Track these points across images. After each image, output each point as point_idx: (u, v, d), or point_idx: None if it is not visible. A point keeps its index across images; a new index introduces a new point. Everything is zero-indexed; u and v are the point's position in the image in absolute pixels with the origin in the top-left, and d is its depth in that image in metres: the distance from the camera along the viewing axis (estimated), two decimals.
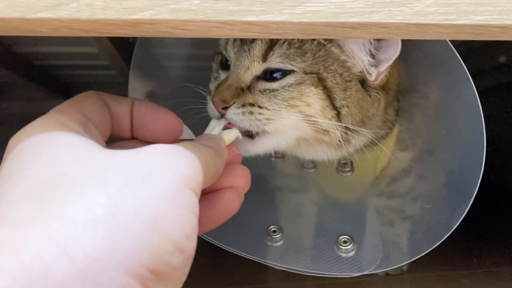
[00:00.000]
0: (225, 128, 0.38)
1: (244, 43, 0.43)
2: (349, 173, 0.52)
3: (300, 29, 0.27)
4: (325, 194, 0.60)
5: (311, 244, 0.56)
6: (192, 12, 0.25)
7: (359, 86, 0.44)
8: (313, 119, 0.42)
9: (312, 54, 0.42)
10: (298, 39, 0.41)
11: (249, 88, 0.42)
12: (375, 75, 0.44)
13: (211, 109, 0.42)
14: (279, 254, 0.53)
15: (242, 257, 0.56)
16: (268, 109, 0.42)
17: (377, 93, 0.46)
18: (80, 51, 0.83)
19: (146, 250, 0.21)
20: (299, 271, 0.52)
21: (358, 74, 0.44)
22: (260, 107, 0.41)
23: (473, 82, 0.39)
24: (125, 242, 0.21)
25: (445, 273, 0.61)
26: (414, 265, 0.62)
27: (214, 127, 0.37)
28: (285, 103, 0.42)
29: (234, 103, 0.41)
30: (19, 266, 0.19)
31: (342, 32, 0.28)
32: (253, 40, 0.42)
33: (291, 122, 0.42)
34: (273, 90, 0.42)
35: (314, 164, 0.56)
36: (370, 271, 0.50)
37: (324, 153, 0.47)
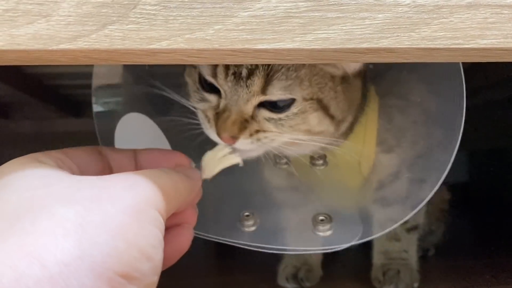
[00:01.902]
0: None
1: (240, 79, 0.41)
2: (322, 166, 0.52)
3: (311, 55, 0.28)
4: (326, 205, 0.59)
5: (286, 226, 0.55)
6: (207, 41, 0.26)
7: (343, 83, 0.45)
8: (312, 133, 0.45)
9: (308, 80, 0.43)
10: (293, 68, 0.41)
11: (252, 116, 0.43)
12: (358, 67, 0.45)
13: (213, 136, 0.43)
14: (254, 238, 0.52)
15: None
16: (272, 131, 0.43)
17: (355, 78, 0.47)
18: (90, 70, 0.84)
19: (113, 256, 0.23)
20: (277, 249, 0.51)
21: (341, 75, 0.45)
22: (265, 131, 0.43)
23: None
24: (94, 249, 0.23)
25: None
26: (426, 282, 0.62)
27: (220, 150, 0.40)
28: (291, 128, 0.43)
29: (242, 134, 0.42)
30: None
31: (352, 57, 0.29)
32: (249, 76, 0.41)
33: (291, 137, 0.44)
34: (279, 119, 0.43)
35: (287, 158, 0.55)
36: (349, 245, 0.49)
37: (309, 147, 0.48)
